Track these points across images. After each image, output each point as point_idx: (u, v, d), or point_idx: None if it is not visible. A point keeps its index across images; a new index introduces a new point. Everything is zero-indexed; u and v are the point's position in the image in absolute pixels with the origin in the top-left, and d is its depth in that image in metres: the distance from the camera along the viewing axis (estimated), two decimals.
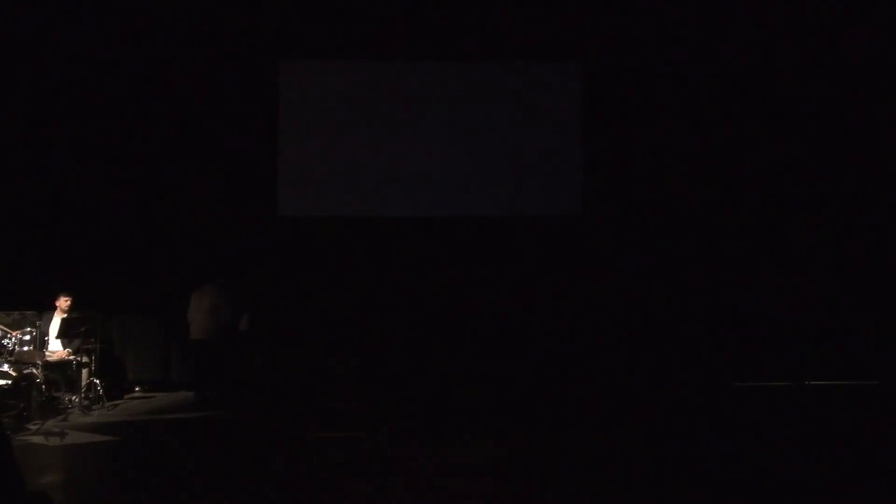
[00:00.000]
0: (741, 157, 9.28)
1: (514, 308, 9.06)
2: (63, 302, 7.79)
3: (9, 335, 7.05)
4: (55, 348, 7.66)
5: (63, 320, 7.63)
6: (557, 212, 9.37)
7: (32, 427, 6.61)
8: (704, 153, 9.27)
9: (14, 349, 7.02)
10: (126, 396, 8.66)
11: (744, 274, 9.19)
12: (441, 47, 9.28)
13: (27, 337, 7.23)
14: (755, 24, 9.15)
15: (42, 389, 7.03)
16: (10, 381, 6.74)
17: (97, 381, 7.72)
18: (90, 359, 7.78)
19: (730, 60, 9.26)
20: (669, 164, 9.28)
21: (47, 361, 7.32)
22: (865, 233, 9.18)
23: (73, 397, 7.49)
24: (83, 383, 7.58)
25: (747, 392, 8.59)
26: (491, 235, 9.25)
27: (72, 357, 7.59)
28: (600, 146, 9.32)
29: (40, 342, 7.40)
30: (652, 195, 9.30)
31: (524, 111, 9.38)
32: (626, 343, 9.03)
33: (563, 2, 9.20)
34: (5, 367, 6.82)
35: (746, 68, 9.27)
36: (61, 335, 7.64)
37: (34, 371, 6.95)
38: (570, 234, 9.31)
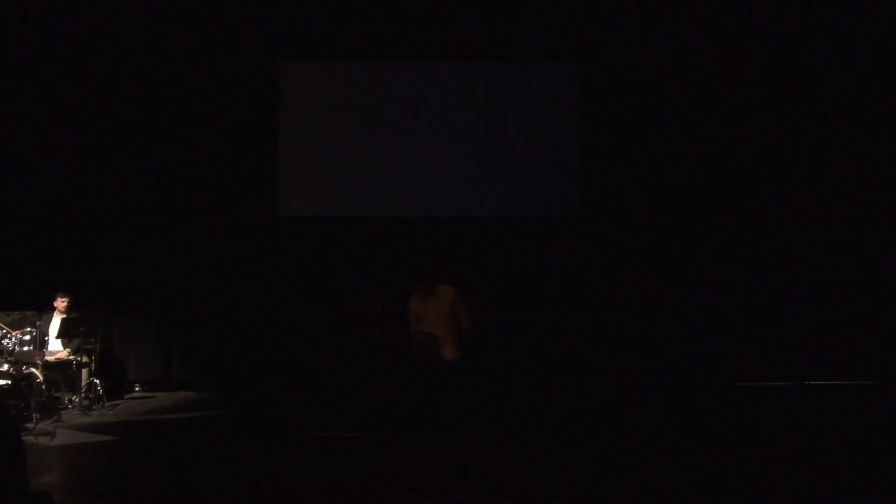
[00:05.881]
0: (741, 156, 9.27)
1: (514, 308, 9.06)
2: (60, 302, 7.78)
3: (9, 335, 7.05)
4: (55, 348, 7.66)
5: (63, 320, 7.62)
6: (557, 212, 9.36)
7: (32, 427, 6.61)
8: (705, 153, 9.27)
9: (14, 349, 7.01)
10: (126, 396, 8.66)
11: (744, 273, 9.18)
12: (441, 47, 9.27)
13: (27, 337, 7.23)
14: (755, 23, 9.15)
15: (42, 389, 7.02)
16: (10, 381, 6.74)
17: (97, 381, 7.71)
18: (90, 359, 7.77)
19: (730, 60, 9.26)
20: (669, 163, 9.27)
21: (47, 361, 7.32)
22: (866, 232, 9.17)
23: (73, 397, 7.49)
24: (83, 383, 7.58)
25: (747, 392, 8.59)
26: (491, 235, 9.25)
27: (72, 357, 7.58)
28: (600, 146, 9.32)
29: (40, 342, 7.39)
30: (652, 195, 9.30)
31: (524, 111, 9.37)
32: (626, 343, 9.03)
33: (563, 2, 9.20)
34: (5, 367, 6.82)
35: (746, 68, 9.26)
36: (61, 335, 7.64)
37: (34, 371, 6.94)
38: (570, 234, 9.31)
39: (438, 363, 6.19)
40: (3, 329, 7.08)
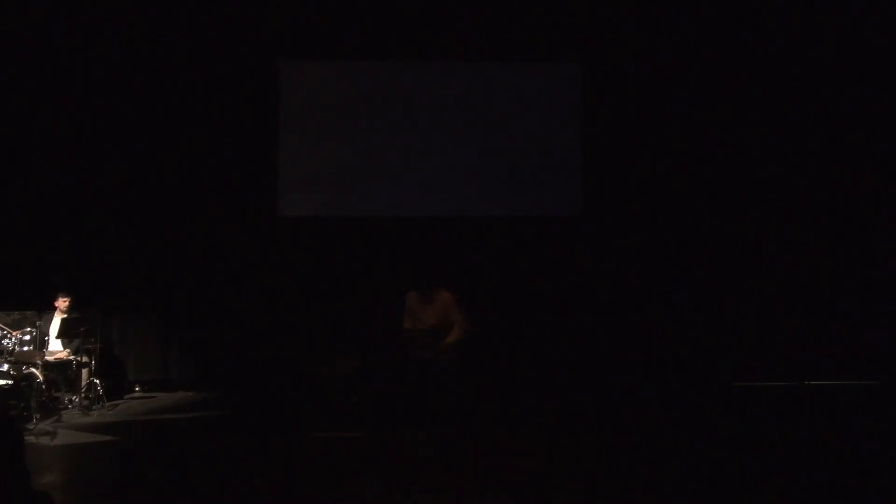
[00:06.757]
0: (741, 156, 9.27)
1: (514, 308, 9.05)
2: (62, 302, 7.78)
3: (9, 335, 7.05)
4: (55, 348, 7.66)
5: (63, 320, 7.62)
6: (557, 212, 9.36)
7: (32, 427, 6.61)
8: (705, 152, 9.27)
9: (14, 349, 7.02)
10: (126, 396, 8.65)
11: (744, 273, 9.18)
12: (441, 47, 9.26)
13: (27, 337, 7.23)
14: (756, 23, 9.15)
15: (42, 389, 7.02)
16: (10, 381, 6.74)
17: (97, 381, 7.71)
18: (90, 359, 7.77)
19: (731, 60, 9.25)
20: (669, 163, 9.27)
21: (47, 361, 7.32)
22: (866, 233, 9.17)
23: (73, 397, 7.49)
24: (83, 383, 7.58)
25: (747, 392, 8.58)
26: (491, 235, 9.24)
27: (72, 357, 7.58)
28: (600, 146, 9.31)
29: (40, 342, 7.40)
30: (652, 195, 9.30)
31: (524, 111, 9.36)
32: (627, 343, 9.02)
33: (563, 2, 9.20)
34: (5, 367, 6.82)
35: (747, 68, 9.26)
36: (61, 335, 7.64)
37: (34, 371, 6.94)
38: (570, 234, 9.30)
39: (438, 363, 6.29)
40: (4, 329, 7.08)
